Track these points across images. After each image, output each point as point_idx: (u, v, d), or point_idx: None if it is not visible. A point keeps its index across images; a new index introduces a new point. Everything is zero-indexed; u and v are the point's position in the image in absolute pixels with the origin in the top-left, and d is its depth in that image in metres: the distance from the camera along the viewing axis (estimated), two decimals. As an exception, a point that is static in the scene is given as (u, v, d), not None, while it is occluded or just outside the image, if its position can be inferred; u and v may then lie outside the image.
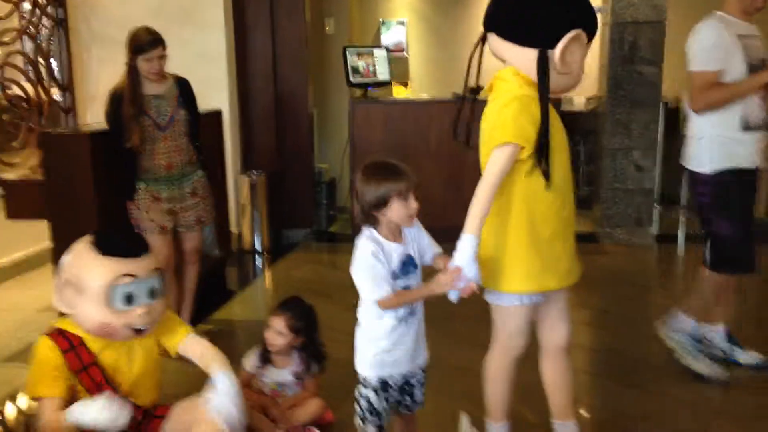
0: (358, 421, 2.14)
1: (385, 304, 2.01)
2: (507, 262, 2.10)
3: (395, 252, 2.02)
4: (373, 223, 2.01)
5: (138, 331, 2.24)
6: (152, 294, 2.22)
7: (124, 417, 2.11)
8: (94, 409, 2.10)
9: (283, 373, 2.74)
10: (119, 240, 2.26)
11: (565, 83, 2.06)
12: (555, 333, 2.29)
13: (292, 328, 2.67)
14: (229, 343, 3.66)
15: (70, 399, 2.26)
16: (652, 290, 4.59)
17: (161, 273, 2.29)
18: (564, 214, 2.11)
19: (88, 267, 2.18)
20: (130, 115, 3.21)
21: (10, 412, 2.95)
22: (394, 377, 2.11)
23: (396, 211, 1.97)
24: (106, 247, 2.19)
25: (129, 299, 2.18)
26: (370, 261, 1.97)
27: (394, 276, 2.01)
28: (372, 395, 2.10)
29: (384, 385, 2.10)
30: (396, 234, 2.04)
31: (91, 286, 2.15)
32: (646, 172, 5.44)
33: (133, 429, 2.36)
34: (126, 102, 3.22)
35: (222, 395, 2.20)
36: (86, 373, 2.25)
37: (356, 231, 2.08)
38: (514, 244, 2.08)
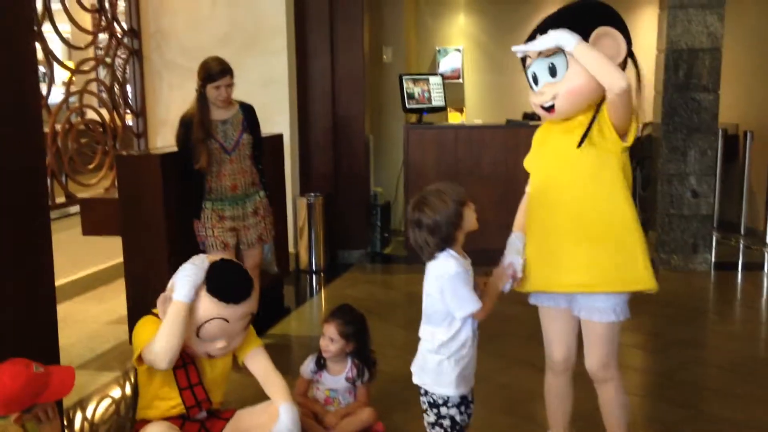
0: None
1: (482, 313, 2.09)
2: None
3: (469, 268, 2.12)
4: (451, 244, 2.09)
5: (211, 356, 2.45)
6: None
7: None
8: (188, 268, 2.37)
9: (337, 380, 2.86)
10: (228, 285, 2.39)
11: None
12: (559, 350, 2.36)
13: (343, 334, 2.80)
14: (286, 357, 3.82)
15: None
16: (706, 315, 4.55)
17: (252, 316, 2.46)
18: (548, 223, 2.20)
19: (200, 304, 2.34)
20: (199, 139, 3.42)
21: (79, 416, 3.15)
22: (470, 392, 2.20)
23: (469, 217, 2.10)
24: (216, 288, 2.36)
25: (214, 336, 2.37)
26: (463, 276, 2.06)
27: (474, 287, 2.12)
28: (456, 413, 2.15)
29: (465, 401, 2.17)
30: (462, 251, 2.15)
31: (194, 317, 2.34)
32: (702, 198, 5.40)
33: (197, 423, 2.53)
34: (195, 126, 3.44)
35: (284, 426, 2.37)
36: (185, 370, 2.44)
37: (411, 253, 2.18)
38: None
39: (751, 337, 4.11)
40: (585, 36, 2.07)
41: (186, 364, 2.47)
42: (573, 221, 2.16)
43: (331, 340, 2.80)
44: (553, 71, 2.13)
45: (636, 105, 2.13)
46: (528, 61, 2.21)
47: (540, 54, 2.14)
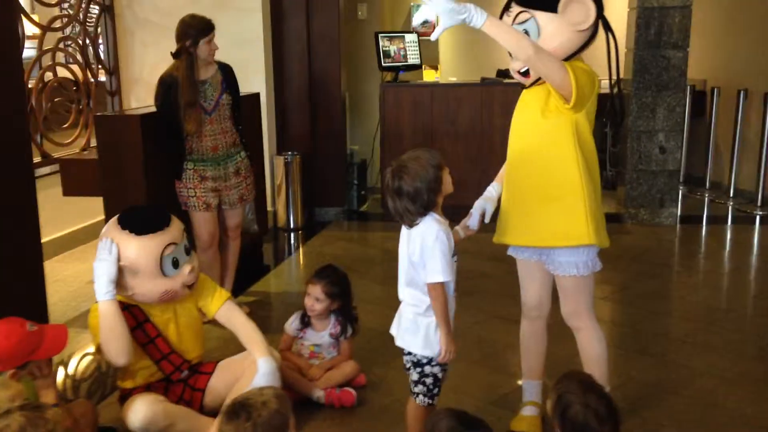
0: (424, 399, 2.25)
1: (442, 289, 2.13)
2: None
3: (449, 231, 2.19)
4: (431, 209, 2.15)
5: (190, 287, 2.55)
6: (187, 251, 2.56)
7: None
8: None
9: (320, 335, 2.97)
10: (147, 218, 2.50)
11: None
12: (533, 297, 2.52)
13: (329, 294, 2.90)
14: (267, 313, 3.93)
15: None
16: (671, 267, 4.73)
17: (186, 233, 2.59)
18: (519, 183, 2.35)
19: (134, 248, 2.44)
20: (189, 103, 3.39)
21: (61, 373, 3.22)
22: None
23: (447, 181, 2.16)
24: (140, 228, 2.45)
25: (176, 263, 2.48)
26: (447, 244, 2.12)
27: (453, 253, 2.18)
28: (438, 371, 2.24)
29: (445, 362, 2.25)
30: (442, 213, 2.21)
31: (145, 263, 2.43)
32: (669, 154, 5.54)
33: (180, 383, 2.63)
34: (184, 89, 3.39)
35: (263, 377, 2.47)
36: (141, 329, 2.52)
37: (388, 211, 2.24)
38: None
39: (713, 287, 4.30)
40: (555, 3, 2.17)
41: (153, 339, 2.55)
42: (532, 182, 2.32)
43: (316, 299, 2.90)
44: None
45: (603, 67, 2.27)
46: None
47: (514, 21, 2.23)
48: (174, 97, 3.42)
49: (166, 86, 3.46)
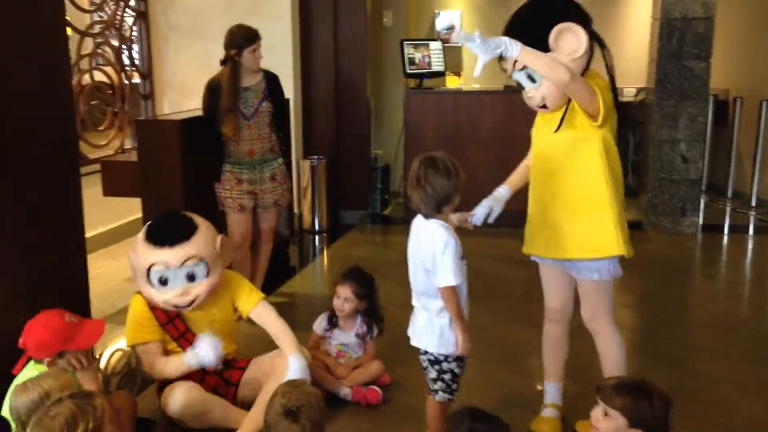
0: (444, 396, 2.35)
1: (453, 292, 2.23)
2: None
3: (456, 238, 2.28)
4: (437, 213, 2.24)
5: (178, 307, 2.61)
6: (192, 278, 2.57)
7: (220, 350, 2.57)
8: (204, 346, 2.54)
9: (348, 335, 3.08)
10: (162, 230, 2.60)
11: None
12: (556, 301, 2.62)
13: (357, 294, 3.01)
14: (293, 313, 4.03)
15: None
16: (692, 275, 4.78)
17: (200, 259, 2.56)
18: (546, 198, 2.45)
19: (137, 250, 2.60)
20: (227, 108, 3.56)
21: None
22: None
23: (456, 203, 2.26)
24: (150, 235, 2.59)
25: (164, 282, 2.56)
26: (456, 248, 2.22)
27: (461, 256, 2.27)
28: (455, 366, 2.33)
29: (462, 358, 2.35)
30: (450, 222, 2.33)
31: (138, 265, 2.59)
32: (691, 163, 5.59)
33: (215, 376, 2.75)
34: (225, 95, 3.57)
35: (295, 373, 2.59)
36: (172, 324, 2.65)
37: (410, 214, 2.34)
38: None
39: (733, 296, 4.35)
40: (545, 41, 2.25)
41: (183, 334, 2.68)
42: (557, 196, 2.42)
43: (345, 300, 3.01)
44: (532, 78, 2.32)
45: (604, 82, 2.34)
46: (508, 70, 2.36)
47: (514, 66, 2.32)
48: (217, 101, 3.58)
49: (212, 91, 3.63)
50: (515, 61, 2.28)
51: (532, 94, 2.36)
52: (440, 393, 2.35)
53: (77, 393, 2.00)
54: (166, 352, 2.71)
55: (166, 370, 2.64)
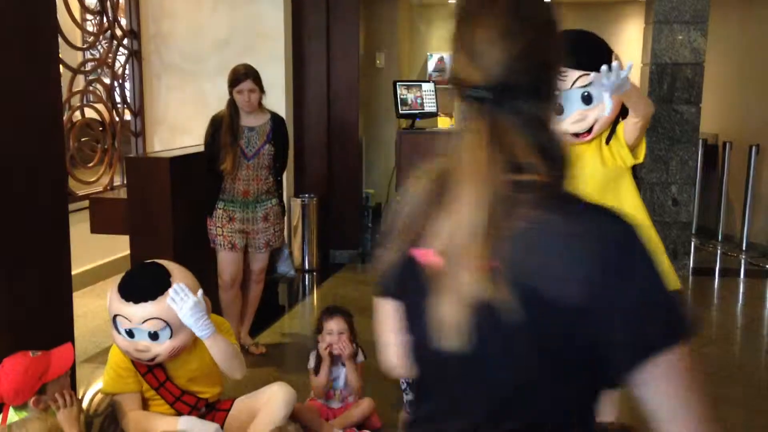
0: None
1: None
2: None
3: None
4: None
5: (141, 361, 2.53)
6: (155, 336, 2.46)
7: None
8: (205, 430, 2.50)
9: (337, 369, 3.04)
10: (134, 283, 2.51)
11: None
12: None
13: (349, 323, 3.00)
14: (283, 353, 3.97)
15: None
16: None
17: (163, 322, 2.42)
18: None
19: (110, 297, 2.53)
20: (226, 143, 3.57)
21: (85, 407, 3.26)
22: None
23: None
24: (121, 285, 2.51)
25: (130, 334, 2.49)
26: None
27: None
28: None
29: None
30: None
31: (109, 312, 2.52)
32: (682, 206, 5.61)
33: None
34: (224, 131, 3.58)
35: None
36: (151, 374, 2.59)
37: None
38: None
39: (726, 341, 4.32)
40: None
41: (162, 383, 2.61)
42: None
43: (340, 333, 2.97)
44: (588, 99, 2.26)
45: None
46: (564, 86, 2.23)
47: (573, 84, 2.26)
48: (218, 136, 3.59)
49: (213, 125, 3.65)
50: (577, 79, 2.22)
51: (585, 115, 2.27)
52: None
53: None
54: (144, 400, 2.63)
55: (150, 426, 2.55)
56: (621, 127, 2.32)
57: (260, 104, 3.71)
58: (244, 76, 3.60)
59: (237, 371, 2.55)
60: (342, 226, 6.01)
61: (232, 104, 3.63)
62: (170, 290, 2.39)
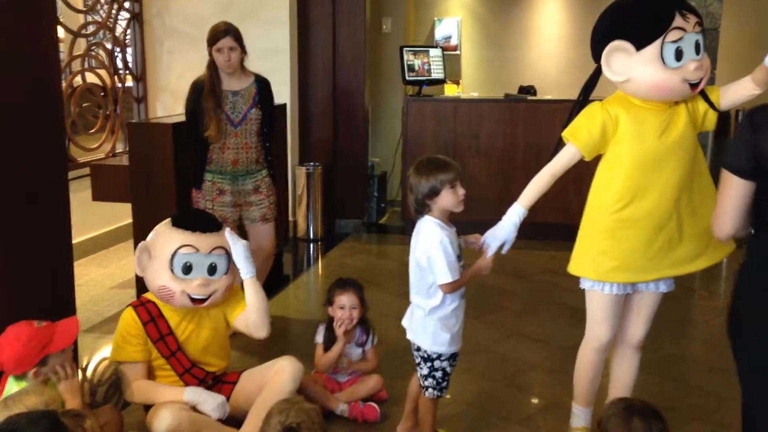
0: (433, 393, 2.41)
1: (452, 287, 2.27)
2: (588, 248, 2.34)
3: (453, 236, 2.31)
4: (426, 211, 2.29)
5: (195, 300, 2.50)
6: (213, 270, 2.51)
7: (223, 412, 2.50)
8: (211, 402, 2.48)
9: (350, 347, 2.96)
10: (192, 217, 2.64)
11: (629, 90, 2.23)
12: (629, 330, 2.48)
13: (361, 299, 2.93)
14: (288, 325, 3.93)
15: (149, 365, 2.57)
16: (695, 291, 4.68)
17: (226, 252, 2.53)
18: (680, 208, 2.24)
19: (161, 235, 2.53)
20: (209, 108, 3.35)
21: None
22: (459, 348, 2.43)
23: (446, 198, 2.26)
24: (179, 220, 2.55)
25: (188, 269, 2.47)
26: (447, 246, 2.24)
27: (459, 258, 2.30)
28: (447, 365, 2.39)
29: (454, 355, 2.41)
30: (447, 220, 2.33)
31: (160, 251, 2.49)
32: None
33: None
34: (205, 95, 3.37)
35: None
36: (163, 342, 2.53)
37: (407, 223, 2.30)
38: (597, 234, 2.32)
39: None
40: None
41: (174, 353, 2.56)
42: (686, 201, 2.24)
43: (352, 307, 2.89)
44: (698, 48, 2.14)
45: None
46: (674, 34, 2.10)
47: (694, 28, 2.12)
48: (198, 101, 3.40)
49: (195, 90, 3.45)
50: (697, 22, 2.13)
51: (702, 64, 2.16)
52: (430, 390, 2.40)
53: (67, 412, 1.91)
54: (152, 369, 2.58)
55: (156, 395, 2.51)
56: (716, 91, 2.29)
57: (243, 66, 3.49)
58: (223, 33, 3.36)
59: (265, 325, 2.59)
60: (347, 195, 5.93)
61: (212, 65, 3.40)
62: (226, 229, 2.58)
